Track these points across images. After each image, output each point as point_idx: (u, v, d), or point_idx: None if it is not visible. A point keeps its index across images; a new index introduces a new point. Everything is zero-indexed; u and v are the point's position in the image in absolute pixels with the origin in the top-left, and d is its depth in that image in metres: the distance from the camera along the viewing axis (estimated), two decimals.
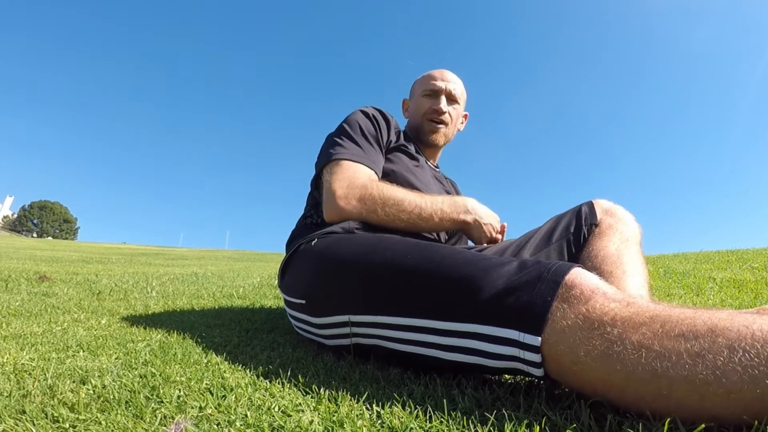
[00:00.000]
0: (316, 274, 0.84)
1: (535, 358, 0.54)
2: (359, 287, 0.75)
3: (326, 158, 1.00)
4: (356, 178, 0.95)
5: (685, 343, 0.45)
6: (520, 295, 0.57)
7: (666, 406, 0.45)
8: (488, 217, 0.99)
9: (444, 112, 1.19)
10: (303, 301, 0.85)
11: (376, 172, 1.01)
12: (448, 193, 1.23)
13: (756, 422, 0.41)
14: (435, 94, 1.20)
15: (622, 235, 0.95)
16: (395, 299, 0.69)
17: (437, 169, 1.28)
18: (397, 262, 0.71)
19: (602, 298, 0.53)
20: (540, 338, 0.53)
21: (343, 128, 1.06)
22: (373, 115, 1.09)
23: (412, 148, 1.16)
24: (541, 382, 0.61)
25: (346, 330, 0.77)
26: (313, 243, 0.90)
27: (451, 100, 1.21)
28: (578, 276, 0.56)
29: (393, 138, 1.12)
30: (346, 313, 0.76)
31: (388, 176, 1.05)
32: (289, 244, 1.03)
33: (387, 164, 1.08)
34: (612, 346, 0.48)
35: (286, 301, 0.94)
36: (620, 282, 0.84)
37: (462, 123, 1.31)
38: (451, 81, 1.21)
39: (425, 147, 1.24)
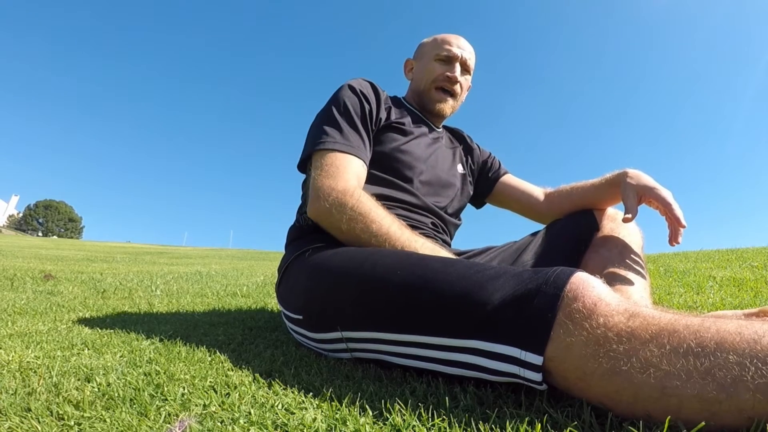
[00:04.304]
0: (310, 289, 0.82)
1: (536, 377, 0.52)
2: (352, 303, 0.73)
3: (313, 146, 0.94)
4: (342, 179, 0.88)
5: (694, 360, 0.43)
6: (519, 311, 0.54)
7: (675, 421, 0.44)
8: None
9: (457, 81, 1.10)
10: (300, 317, 0.83)
11: (364, 161, 0.95)
12: (454, 157, 1.17)
13: (756, 420, 0.40)
14: (450, 60, 1.10)
15: (623, 240, 0.94)
16: (389, 315, 0.67)
17: (439, 130, 1.19)
18: (387, 278, 0.69)
19: (605, 310, 0.50)
20: (542, 357, 0.51)
21: (331, 110, 0.99)
22: (362, 92, 1.00)
23: (406, 120, 1.07)
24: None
25: (343, 345, 0.76)
26: (306, 255, 0.87)
27: (465, 69, 1.12)
28: (580, 285, 0.53)
29: (383, 115, 1.03)
30: (341, 329, 0.74)
31: (376, 160, 1.00)
32: (287, 245, 1.01)
33: (376, 146, 1.01)
34: (618, 364, 0.47)
35: (283, 313, 0.92)
36: (621, 287, 0.84)
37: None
38: (466, 49, 1.12)
39: (429, 114, 1.15)
